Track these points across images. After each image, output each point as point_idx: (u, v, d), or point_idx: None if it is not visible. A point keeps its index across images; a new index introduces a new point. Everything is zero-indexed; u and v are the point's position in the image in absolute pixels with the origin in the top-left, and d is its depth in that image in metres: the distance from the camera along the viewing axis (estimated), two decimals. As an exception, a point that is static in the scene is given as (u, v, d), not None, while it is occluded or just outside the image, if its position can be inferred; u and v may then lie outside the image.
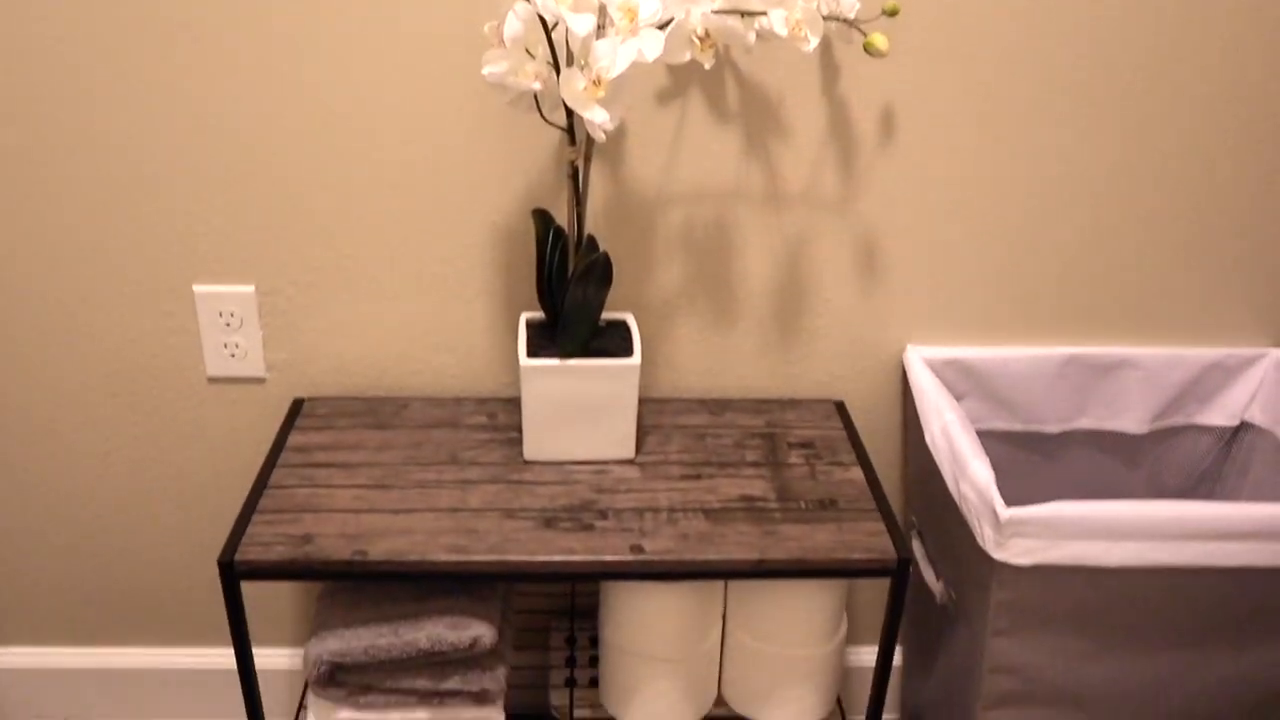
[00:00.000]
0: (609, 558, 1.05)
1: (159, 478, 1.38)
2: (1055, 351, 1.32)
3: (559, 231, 1.12)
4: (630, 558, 1.05)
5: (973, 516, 1.09)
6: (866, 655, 1.54)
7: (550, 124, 1.04)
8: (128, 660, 1.52)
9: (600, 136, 0.97)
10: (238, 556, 1.04)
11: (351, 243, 1.24)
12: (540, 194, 1.21)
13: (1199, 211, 1.26)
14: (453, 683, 1.12)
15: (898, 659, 1.54)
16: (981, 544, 1.08)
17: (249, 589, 1.47)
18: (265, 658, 1.51)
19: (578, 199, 1.09)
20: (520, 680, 1.35)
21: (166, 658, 1.53)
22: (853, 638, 1.54)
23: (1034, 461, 1.38)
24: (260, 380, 1.32)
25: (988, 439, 1.35)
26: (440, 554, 1.04)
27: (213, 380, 1.32)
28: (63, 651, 1.52)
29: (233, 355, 1.30)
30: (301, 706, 1.22)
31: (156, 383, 1.32)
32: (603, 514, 1.11)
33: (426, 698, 1.13)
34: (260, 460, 1.34)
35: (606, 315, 1.21)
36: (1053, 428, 1.35)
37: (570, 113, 1.02)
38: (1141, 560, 1.06)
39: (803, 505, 1.13)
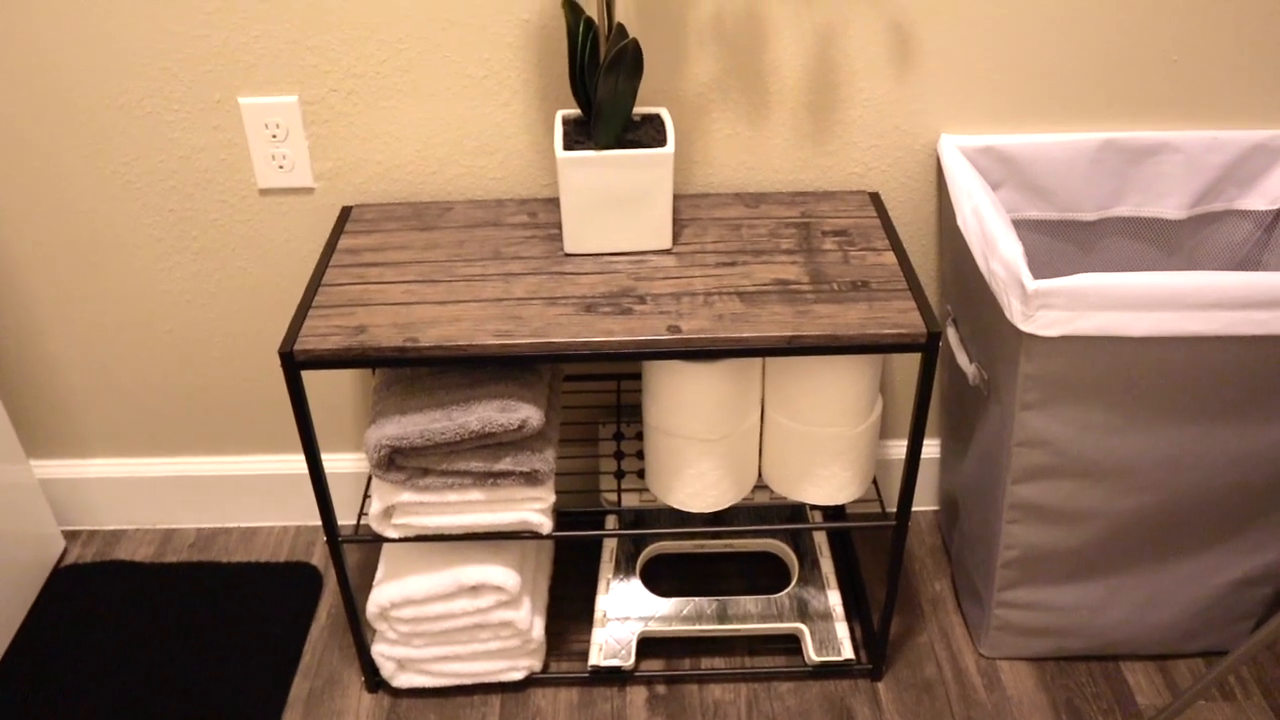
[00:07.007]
0: (647, 337, 1.09)
1: (219, 290, 1.44)
2: (1092, 136, 1.30)
3: (589, 22, 1.13)
4: (667, 336, 1.09)
5: (1002, 292, 1.12)
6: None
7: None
8: (206, 469, 1.62)
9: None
10: (297, 347, 1.10)
11: (388, 49, 1.26)
12: (571, -11, 1.22)
13: (1244, -14, 1.23)
14: (504, 464, 1.18)
15: (935, 451, 1.59)
16: (1010, 318, 1.11)
17: (315, 401, 1.55)
18: (333, 463, 1.60)
19: (607, -12, 1.10)
20: (571, 471, 1.42)
21: (242, 465, 1.62)
22: (894, 432, 1.59)
23: (1070, 251, 1.39)
24: (309, 190, 1.36)
25: (1024, 228, 1.36)
26: (487, 339, 1.10)
27: (264, 192, 1.37)
28: (147, 462, 1.62)
29: (281, 166, 1.34)
30: (366, 496, 1.31)
31: (211, 198, 1.37)
32: (641, 299, 1.15)
33: (481, 479, 1.20)
34: (313, 266, 1.40)
35: (641, 110, 1.23)
36: (1090, 215, 1.36)
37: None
38: (1167, 330, 1.08)
39: (835, 287, 1.16)
